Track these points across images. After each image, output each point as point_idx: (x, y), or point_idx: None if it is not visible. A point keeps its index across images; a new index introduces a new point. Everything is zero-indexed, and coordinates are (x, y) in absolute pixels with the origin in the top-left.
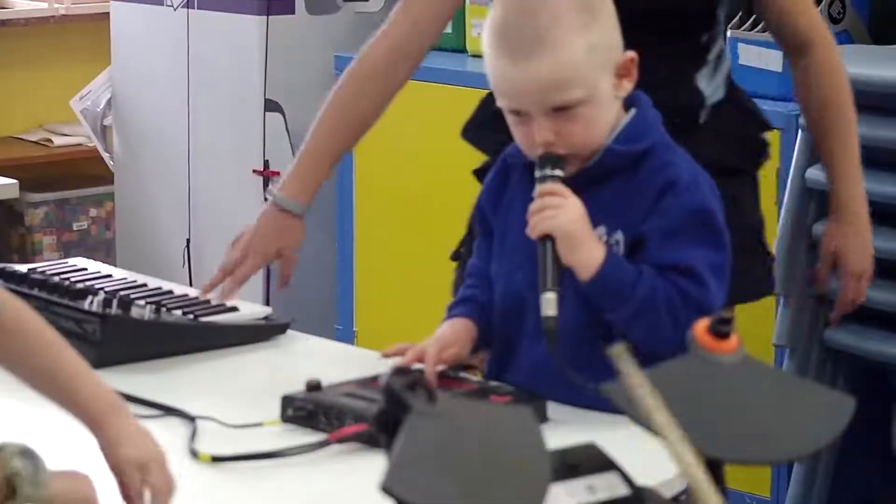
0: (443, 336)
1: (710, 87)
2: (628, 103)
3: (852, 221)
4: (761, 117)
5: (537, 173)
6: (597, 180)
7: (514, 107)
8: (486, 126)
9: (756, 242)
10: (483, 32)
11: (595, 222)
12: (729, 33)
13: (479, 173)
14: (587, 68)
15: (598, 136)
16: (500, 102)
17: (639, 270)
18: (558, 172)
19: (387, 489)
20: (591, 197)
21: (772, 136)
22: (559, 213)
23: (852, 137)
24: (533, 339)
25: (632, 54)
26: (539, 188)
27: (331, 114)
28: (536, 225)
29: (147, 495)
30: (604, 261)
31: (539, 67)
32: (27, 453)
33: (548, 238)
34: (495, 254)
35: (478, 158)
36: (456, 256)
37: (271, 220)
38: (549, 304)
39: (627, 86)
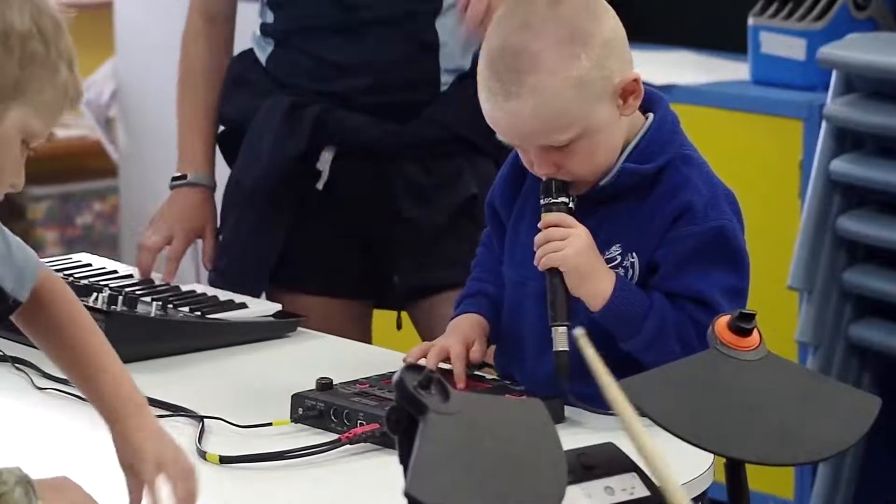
0: (463, 332)
1: (450, 38)
2: (647, 105)
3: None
4: None
5: (542, 200)
6: (611, 198)
7: (507, 142)
8: (233, 93)
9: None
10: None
11: (610, 241)
12: (751, 21)
13: (224, 138)
14: (577, 106)
15: (604, 161)
16: (497, 133)
17: (650, 301)
18: (563, 199)
19: (409, 495)
20: (605, 215)
21: (794, 127)
22: (565, 245)
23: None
24: (536, 353)
25: (635, 75)
26: (544, 218)
27: (180, 87)
28: (542, 258)
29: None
30: (613, 293)
31: (521, 112)
32: (23, 481)
33: (555, 271)
34: (507, 258)
35: None
36: None
37: (187, 198)
38: (560, 338)
39: (634, 103)
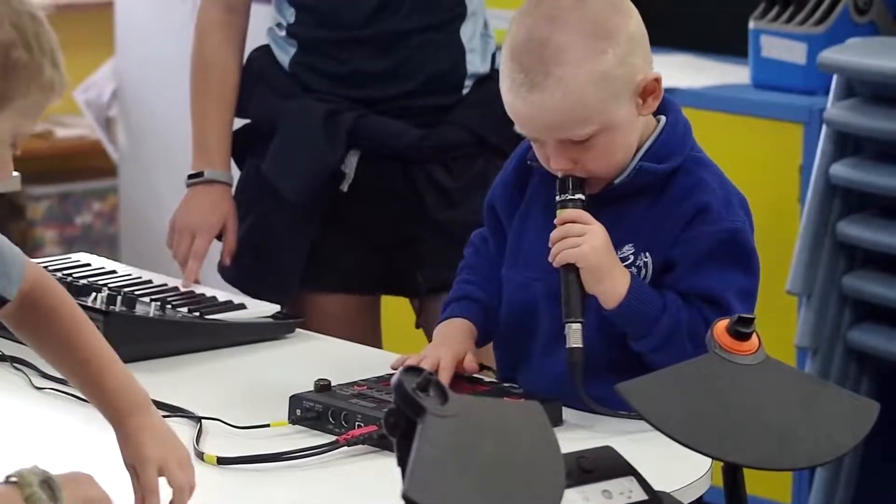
0: (455, 343)
1: (472, 44)
2: (658, 108)
3: None
4: None
5: (557, 197)
6: (625, 197)
7: (526, 135)
8: (253, 90)
9: None
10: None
11: (622, 240)
12: (752, 24)
13: (240, 135)
14: (599, 101)
15: (620, 159)
16: (516, 126)
17: (664, 301)
18: (579, 196)
19: (407, 497)
20: (618, 213)
21: (795, 131)
22: (583, 242)
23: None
24: (546, 351)
25: (656, 74)
26: (560, 215)
27: (195, 80)
28: (558, 255)
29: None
30: (628, 292)
31: (545, 104)
32: (46, 483)
33: (571, 267)
34: (508, 260)
35: None
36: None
37: (205, 196)
38: (575, 335)
39: (653, 103)
